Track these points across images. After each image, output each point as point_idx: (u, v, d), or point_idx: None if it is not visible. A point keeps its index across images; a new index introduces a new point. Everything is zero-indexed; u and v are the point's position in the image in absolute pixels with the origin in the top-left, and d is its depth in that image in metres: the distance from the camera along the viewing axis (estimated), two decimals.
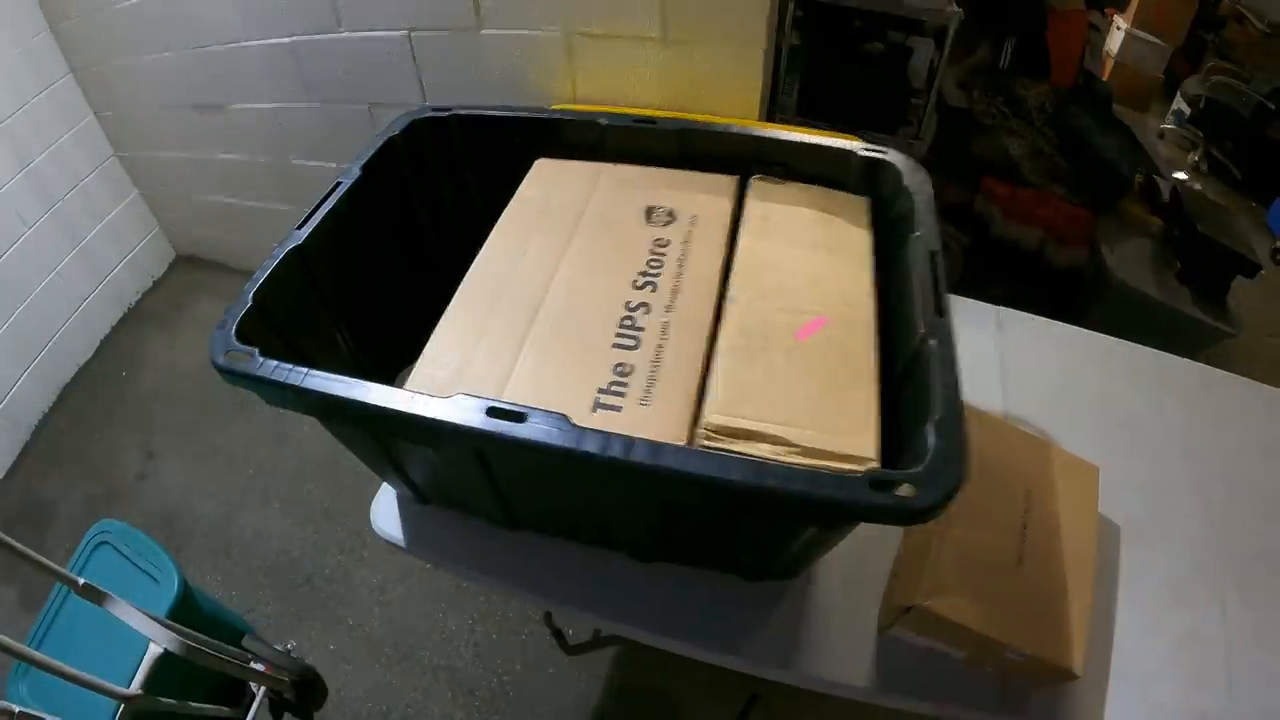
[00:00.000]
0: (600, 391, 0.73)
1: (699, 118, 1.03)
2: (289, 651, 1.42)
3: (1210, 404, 1.33)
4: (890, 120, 1.93)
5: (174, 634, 1.12)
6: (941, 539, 0.90)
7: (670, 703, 1.54)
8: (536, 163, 1.01)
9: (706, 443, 0.68)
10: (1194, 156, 3.66)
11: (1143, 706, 0.94)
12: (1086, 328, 1.44)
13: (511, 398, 0.69)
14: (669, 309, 0.79)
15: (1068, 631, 0.86)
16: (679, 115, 1.03)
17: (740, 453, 0.67)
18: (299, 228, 0.89)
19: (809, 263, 0.84)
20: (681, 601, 0.95)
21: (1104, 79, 3.05)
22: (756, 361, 0.74)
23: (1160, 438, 1.26)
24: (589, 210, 0.93)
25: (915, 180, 0.91)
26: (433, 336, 0.82)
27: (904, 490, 0.61)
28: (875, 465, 0.67)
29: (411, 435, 0.78)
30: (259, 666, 1.31)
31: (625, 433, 0.64)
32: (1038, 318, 1.42)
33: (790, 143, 0.97)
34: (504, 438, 0.65)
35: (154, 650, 1.12)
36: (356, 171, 0.97)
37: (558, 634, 1.57)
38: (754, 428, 0.68)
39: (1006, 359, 1.31)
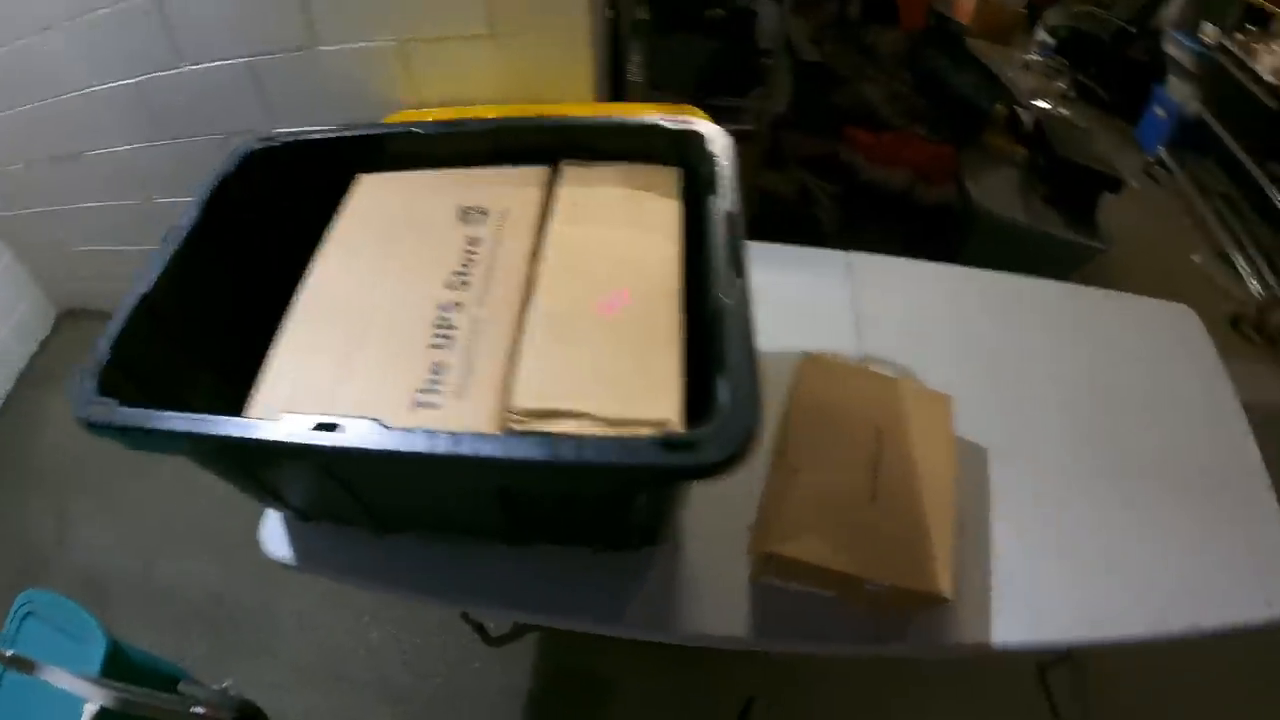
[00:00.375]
0: (419, 392, 0.75)
1: (528, 109, 1.05)
2: (227, 690, 1.43)
3: (1071, 319, 1.38)
4: (741, 84, 1.97)
5: (107, 690, 1.13)
6: (791, 487, 0.93)
7: (596, 679, 1.58)
8: (358, 179, 1.02)
9: (516, 427, 0.71)
10: (1061, 85, 3.79)
11: (1029, 616, 0.98)
12: (960, 261, 1.48)
13: (341, 409, 0.71)
14: (481, 304, 0.82)
15: (930, 558, 0.89)
16: (504, 110, 1.06)
17: (548, 432, 0.70)
18: (145, 277, 0.89)
19: (616, 240, 0.87)
20: (558, 579, 0.98)
21: (962, 19, 3.14)
22: (561, 342, 0.77)
23: (1021, 358, 1.29)
24: (406, 218, 0.95)
25: (720, 146, 0.94)
26: (266, 362, 0.84)
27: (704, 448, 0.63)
28: (676, 427, 0.71)
29: (255, 459, 0.81)
30: (199, 709, 1.31)
31: (440, 427, 0.67)
32: (890, 257, 1.45)
33: (598, 125, 1.01)
34: (330, 449, 0.68)
35: (90, 709, 1.13)
36: (194, 213, 0.97)
37: (479, 629, 1.60)
38: (559, 406, 0.71)
39: (859, 302, 1.34)
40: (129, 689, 1.16)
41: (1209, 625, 1.00)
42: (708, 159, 0.93)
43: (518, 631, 1.61)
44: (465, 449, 0.64)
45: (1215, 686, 1.70)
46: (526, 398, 0.73)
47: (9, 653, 1.06)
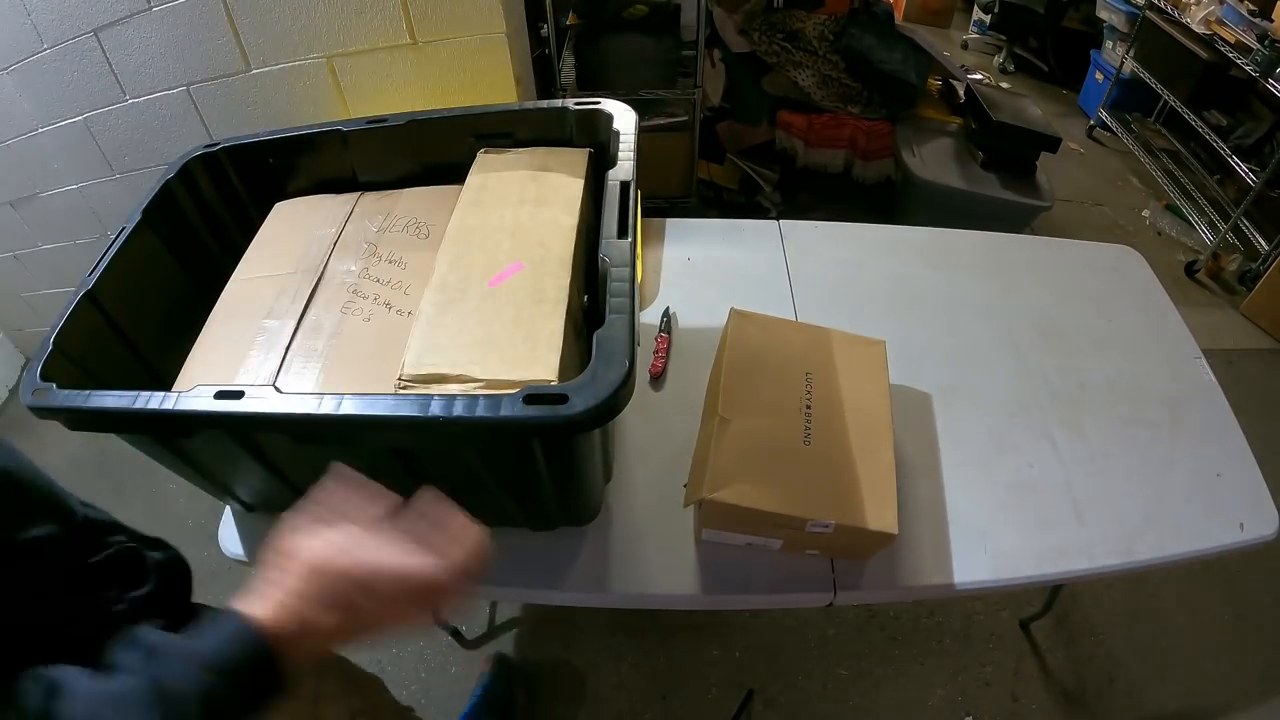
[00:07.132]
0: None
1: None
2: None
3: (1003, 266, 1.41)
4: (667, 76, 2.02)
5: None
6: (723, 437, 0.92)
7: (572, 669, 1.60)
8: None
9: (403, 392, 0.75)
10: (999, 59, 3.86)
11: (988, 557, 0.98)
12: None
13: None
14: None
15: (868, 494, 0.88)
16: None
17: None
18: (90, 274, 0.95)
19: (515, 217, 0.92)
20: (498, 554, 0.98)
21: (894, 6, 3.20)
22: (450, 312, 0.81)
23: (963, 304, 1.32)
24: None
25: (625, 122, 0.99)
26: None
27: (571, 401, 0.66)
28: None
29: (174, 431, 0.82)
30: None
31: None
32: (819, 222, 1.48)
33: (507, 113, 1.05)
34: (233, 415, 0.72)
35: None
36: (138, 216, 1.02)
37: (454, 633, 1.62)
38: (444, 371, 0.76)
39: (793, 265, 1.38)
40: None
41: (1178, 552, 1.00)
42: (615, 136, 0.97)
43: (492, 632, 1.63)
44: (348, 409, 0.69)
45: (1200, 633, 1.72)
46: (412, 365, 0.77)
47: None
